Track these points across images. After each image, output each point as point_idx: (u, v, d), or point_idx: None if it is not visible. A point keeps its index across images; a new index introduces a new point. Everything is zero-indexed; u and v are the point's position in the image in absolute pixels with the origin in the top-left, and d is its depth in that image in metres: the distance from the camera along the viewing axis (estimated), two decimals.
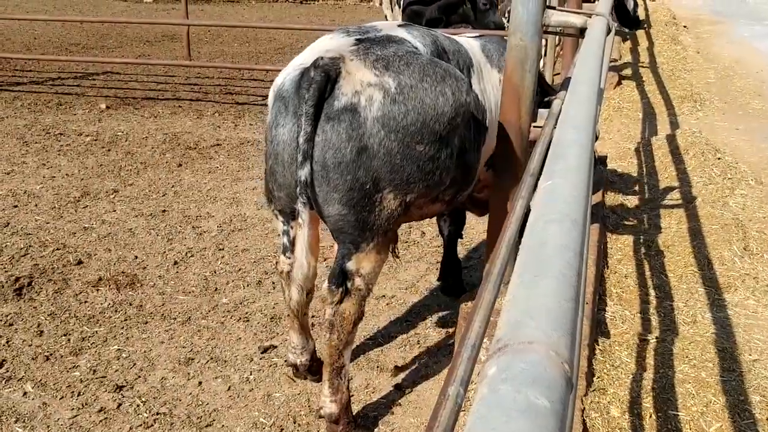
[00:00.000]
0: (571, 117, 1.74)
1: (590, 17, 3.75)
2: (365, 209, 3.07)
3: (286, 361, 4.08)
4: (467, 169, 3.50)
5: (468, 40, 3.91)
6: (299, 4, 26.06)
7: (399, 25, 3.59)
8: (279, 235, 3.62)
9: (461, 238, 4.99)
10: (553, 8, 3.64)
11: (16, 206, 6.39)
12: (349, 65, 3.05)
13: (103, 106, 10.03)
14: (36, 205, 6.42)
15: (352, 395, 3.89)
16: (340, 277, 3.24)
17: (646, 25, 15.07)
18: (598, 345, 3.57)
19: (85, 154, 7.91)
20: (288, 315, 3.89)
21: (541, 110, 3.67)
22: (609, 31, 3.76)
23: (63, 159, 7.71)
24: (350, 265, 3.22)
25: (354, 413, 3.64)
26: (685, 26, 16.10)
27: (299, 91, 3.06)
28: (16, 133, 8.60)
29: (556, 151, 1.47)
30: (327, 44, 3.27)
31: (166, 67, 12.27)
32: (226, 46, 15.40)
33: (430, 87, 3.06)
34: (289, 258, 3.54)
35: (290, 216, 3.39)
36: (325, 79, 2.99)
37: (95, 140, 8.42)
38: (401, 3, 8.21)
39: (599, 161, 6.00)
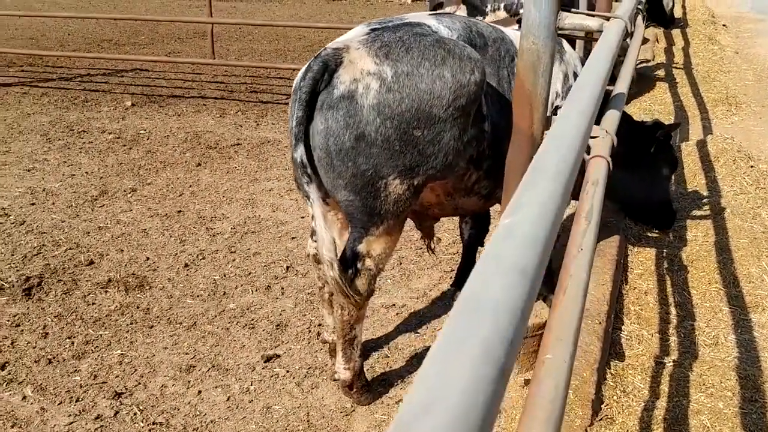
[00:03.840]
0: (559, 133, 1.58)
1: (608, 20, 3.56)
2: (370, 195, 3.18)
3: (323, 340, 4.23)
4: (502, 157, 3.50)
5: (517, 33, 3.89)
6: (330, 1, 25.96)
7: (430, 14, 3.66)
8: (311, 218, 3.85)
9: (482, 246, 4.80)
10: (568, 10, 3.44)
11: (33, 204, 6.37)
12: (353, 54, 3.15)
13: (129, 103, 10.02)
14: (53, 204, 6.39)
15: (353, 410, 3.77)
16: (351, 259, 3.36)
17: (682, 24, 14.68)
18: (610, 368, 3.38)
19: (107, 152, 7.88)
20: (321, 297, 4.08)
21: (555, 117, 3.49)
22: (629, 35, 3.58)
23: (84, 157, 7.69)
24: (361, 248, 3.34)
25: (368, 379, 3.89)
26: (724, 25, 15.63)
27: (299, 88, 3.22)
28: (41, 130, 8.62)
29: (530, 177, 1.32)
30: (344, 36, 3.42)
31: (193, 65, 12.24)
32: (255, 43, 15.35)
33: (427, 72, 3.11)
34: (316, 242, 3.72)
35: None
36: (322, 68, 3.12)
37: (118, 138, 8.40)
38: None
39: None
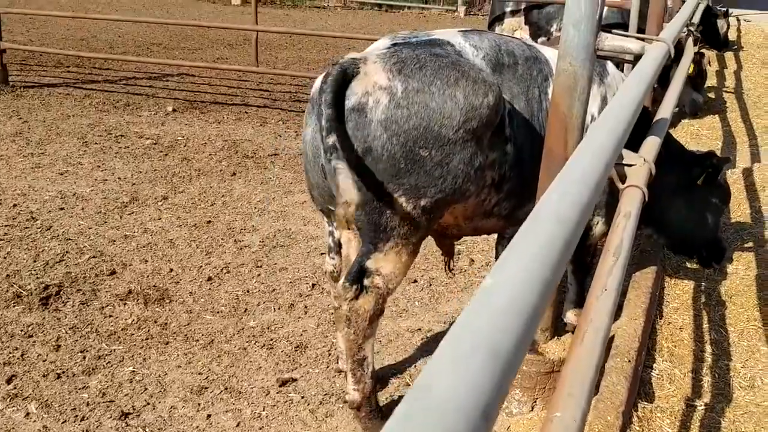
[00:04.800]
0: (570, 171, 1.42)
1: (651, 43, 3.37)
2: (375, 210, 3.13)
3: (337, 369, 4.14)
4: (525, 179, 3.41)
5: (556, 53, 3.74)
6: (384, 12, 26.01)
7: (459, 31, 3.57)
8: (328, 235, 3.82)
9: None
10: (609, 31, 3.27)
11: (62, 209, 6.34)
12: (370, 67, 3.10)
13: (170, 108, 10.04)
14: (82, 209, 6.36)
15: None
16: (357, 275, 3.28)
17: (736, 47, 14.26)
18: (637, 411, 3.17)
19: (142, 157, 7.86)
20: (336, 318, 3.91)
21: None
22: (671, 58, 3.38)
23: (119, 162, 7.68)
24: (369, 264, 3.27)
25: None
26: None
27: (320, 90, 3.15)
28: (78, 133, 8.65)
29: (527, 226, 1.16)
30: (369, 47, 3.40)
31: (239, 72, 12.23)
32: (303, 52, 15.37)
33: (438, 91, 3.04)
34: (333, 259, 3.75)
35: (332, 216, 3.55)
36: (341, 74, 3.05)
37: (155, 144, 8.39)
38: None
39: None
